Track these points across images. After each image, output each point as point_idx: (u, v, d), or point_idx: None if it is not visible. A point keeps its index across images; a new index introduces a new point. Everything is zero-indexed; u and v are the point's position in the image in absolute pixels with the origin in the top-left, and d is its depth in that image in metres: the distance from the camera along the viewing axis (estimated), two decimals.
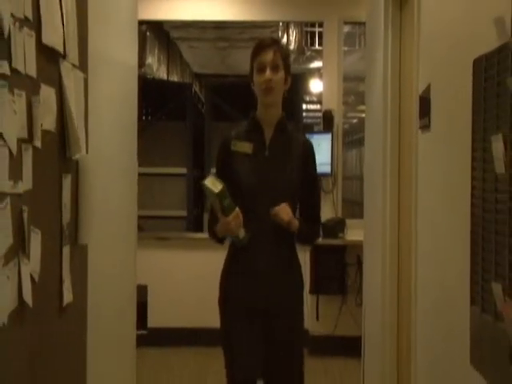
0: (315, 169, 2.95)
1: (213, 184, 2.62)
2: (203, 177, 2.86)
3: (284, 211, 2.73)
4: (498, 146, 1.76)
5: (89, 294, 2.71)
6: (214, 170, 3.01)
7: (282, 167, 2.81)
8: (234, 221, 2.67)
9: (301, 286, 2.96)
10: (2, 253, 1.74)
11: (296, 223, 2.80)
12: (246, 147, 2.81)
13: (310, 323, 5.63)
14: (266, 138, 2.85)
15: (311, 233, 3.01)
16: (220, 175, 2.78)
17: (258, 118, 2.88)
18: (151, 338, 5.80)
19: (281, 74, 2.80)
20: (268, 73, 2.77)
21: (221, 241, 2.90)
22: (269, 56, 2.78)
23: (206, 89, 9.89)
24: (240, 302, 2.83)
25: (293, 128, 2.97)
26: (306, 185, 2.87)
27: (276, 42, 2.94)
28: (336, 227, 5.83)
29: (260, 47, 2.83)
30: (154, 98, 8.84)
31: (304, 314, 3.00)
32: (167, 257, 6.10)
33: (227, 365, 2.86)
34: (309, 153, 2.91)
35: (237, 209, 2.68)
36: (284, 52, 2.88)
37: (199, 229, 7.92)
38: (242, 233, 2.72)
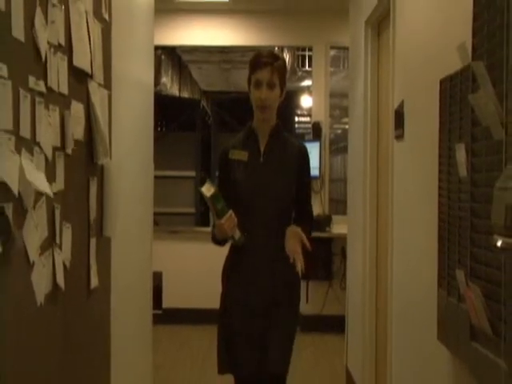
0: (309, 172, 2.71)
1: (207, 189, 2.45)
2: (209, 179, 2.70)
3: (294, 248, 2.49)
4: (460, 153, 1.77)
5: (112, 279, 2.72)
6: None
7: (277, 172, 2.58)
8: (227, 223, 2.45)
9: (297, 283, 2.70)
10: (39, 244, 1.75)
11: (306, 242, 2.54)
12: (242, 155, 2.60)
13: (301, 305, 5.62)
14: (260, 146, 2.62)
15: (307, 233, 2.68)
16: (222, 182, 2.62)
17: (253, 128, 2.65)
18: (165, 317, 5.80)
19: (276, 91, 2.56)
20: (264, 91, 2.53)
21: (220, 243, 2.65)
22: (266, 75, 2.52)
23: (212, 104, 9.90)
24: (238, 298, 2.58)
25: (288, 134, 2.72)
26: (301, 186, 2.64)
27: (274, 58, 2.59)
28: (323, 222, 5.83)
29: (258, 64, 2.55)
30: (168, 112, 8.84)
31: (299, 308, 2.75)
32: (179, 247, 6.11)
33: (220, 356, 2.61)
34: (304, 157, 2.66)
35: (230, 211, 2.47)
36: (281, 69, 2.58)
37: (206, 223, 7.91)
38: (237, 234, 2.51)
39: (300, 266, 2.47)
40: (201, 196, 2.51)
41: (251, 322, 2.54)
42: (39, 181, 1.69)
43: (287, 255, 2.60)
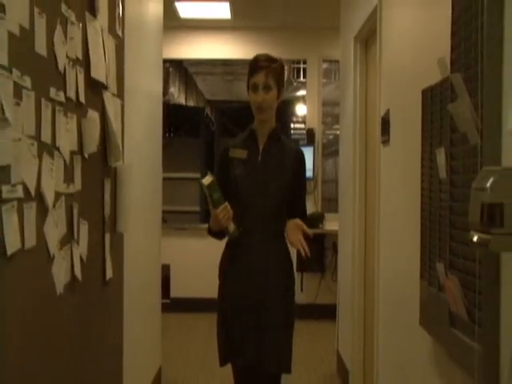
0: (305, 174, 2.60)
1: (205, 179, 2.32)
2: (209, 171, 2.47)
3: (297, 237, 2.37)
4: (441, 156, 1.78)
5: (125, 271, 2.73)
6: None
7: (274, 171, 2.46)
8: (222, 213, 2.31)
9: (291, 276, 2.55)
10: (59, 239, 1.76)
11: (305, 229, 2.40)
12: (241, 154, 2.49)
13: (296, 294, 5.62)
14: (259, 146, 2.50)
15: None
16: (219, 178, 2.41)
17: (254, 129, 2.53)
18: (173, 305, 5.81)
19: (272, 93, 2.45)
20: (260, 94, 2.43)
21: (217, 236, 2.52)
22: (261, 78, 2.43)
23: (215, 112, 9.89)
24: (234, 294, 2.45)
25: (286, 138, 2.62)
26: (297, 187, 2.53)
27: (270, 61, 2.50)
28: (317, 219, 5.84)
29: (254, 68, 2.47)
30: (175, 120, 8.83)
31: (294, 302, 2.56)
32: (185, 242, 6.11)
33: (219, 350, 2.49)
34: (300, 159, 2.55)
35: (226, 203, 2.33)
36: (276, 71, 2.49)
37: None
38: (231, 227, 2.37)
39: (304, 253, 2.34)
40: (203, 193, 2.38)
41: (247, 316, 2.41)
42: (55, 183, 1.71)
43: (282, 251, 2.49)
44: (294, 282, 2.57)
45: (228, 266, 2.51)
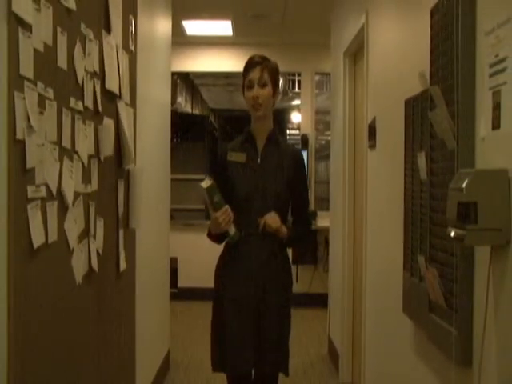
0: (305, 174, 2.35)
1: (204, 182, 2.12)
2: (208, 175, 2.33)
3: (272, 220, 2.18)
4: (421, 160, 1.79)
5: (137, 263, 2.73)
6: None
7: (274, 173, 2.24)
8: (222, 216, 2.10)
9: (290, 282, 2.34)
10: (77, 234, 1.77)
11: (284, 230, 2.22)
12: (240, 157, 2.27)
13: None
14: (258, 148, 2.28)
15: (301, 238, 2.38)
16: (218, 181, 2.19)
17: (251, 131, 2.30)
18: (180, 294, 5.82)
19: (268, 89, 2.22)
20: (255, 90, 2.21)
21: (217, 240, 2.30)
22: (256, 74, 2.21)
23: (218, 119, 9.90)
24: (233, 297, 2.22)
25: (284, 140, 2.39)
26: (297, 188, 2.30)
27: (264, 59, 2.27)
28: (310, 217, 5.84)
29: (249, 65, 2.25)
30: (182, 126, 8.83)
31: (291, 306, 2.36)
32: (191, 237, 6.11)
33: (214, 355, 2.27)
34: (299, 160, 2.31)
35: (226, 206, 2.12)
36: (271, 68, 2.26)
37: None
38: (232, 230, 2.16)
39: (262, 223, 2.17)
40: (203, 196, 2.17)
41: (244, 320, 2.20)
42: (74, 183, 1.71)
43: (281, 253, 2.29)
44: (291, 284, 2.35)
45: (225, 271, 2.29)
